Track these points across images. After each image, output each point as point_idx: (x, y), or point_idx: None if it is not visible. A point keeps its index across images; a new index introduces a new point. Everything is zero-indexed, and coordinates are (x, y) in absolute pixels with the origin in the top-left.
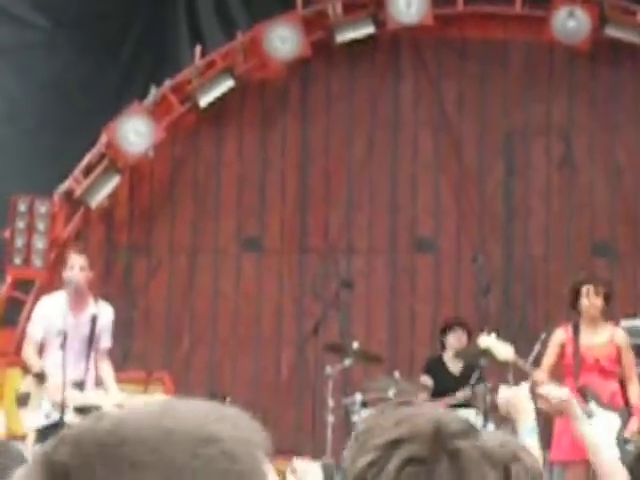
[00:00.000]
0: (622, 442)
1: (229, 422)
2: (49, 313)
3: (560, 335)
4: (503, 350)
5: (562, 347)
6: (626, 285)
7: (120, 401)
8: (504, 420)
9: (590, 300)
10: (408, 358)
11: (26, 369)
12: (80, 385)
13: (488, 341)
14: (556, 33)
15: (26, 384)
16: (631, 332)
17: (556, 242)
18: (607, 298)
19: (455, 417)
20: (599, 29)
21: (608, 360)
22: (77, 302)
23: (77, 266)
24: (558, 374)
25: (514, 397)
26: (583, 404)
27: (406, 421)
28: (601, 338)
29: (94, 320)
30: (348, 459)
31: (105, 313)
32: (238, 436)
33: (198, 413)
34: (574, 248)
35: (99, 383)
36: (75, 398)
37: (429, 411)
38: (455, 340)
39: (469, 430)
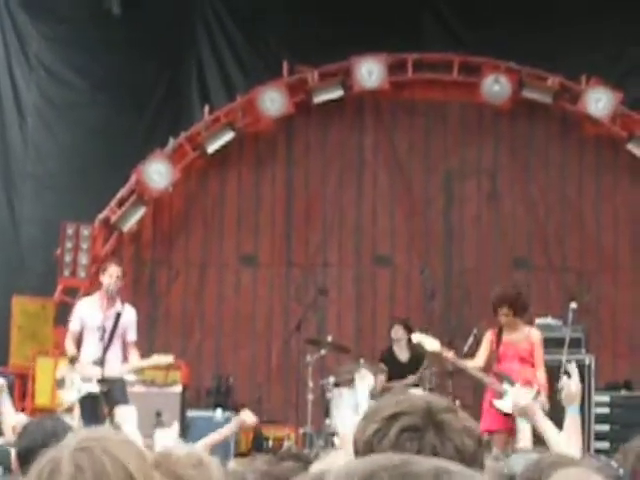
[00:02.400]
0: None
1: None
2: (85, 311)
3: (489, 336)
4: (430, 343)
5: (491, 343)
6: (540, 291)
7: (129, 370)
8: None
9: (500, 318)
10: (370, 349)
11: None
12: (99, 362)
13: (419, 337)
14: (484, 95)
15: (60, 371)
16: (543, 328)
17: (485, 258)
18: (519, 310)
19: (442, 399)
20: (518, 92)
21: (525, 352)
22: (108, 302)
23: (115, 275)
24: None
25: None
26: (498, 384)
27: (404, 401)
28: (519, 337)
29: (118, 316)
30: (358, 430)
31: (128, 313)
32: None
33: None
34: (499, 262)
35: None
36: (97, 373)
37: (421, 395)
38: (394, 333)
39: (452, 408)
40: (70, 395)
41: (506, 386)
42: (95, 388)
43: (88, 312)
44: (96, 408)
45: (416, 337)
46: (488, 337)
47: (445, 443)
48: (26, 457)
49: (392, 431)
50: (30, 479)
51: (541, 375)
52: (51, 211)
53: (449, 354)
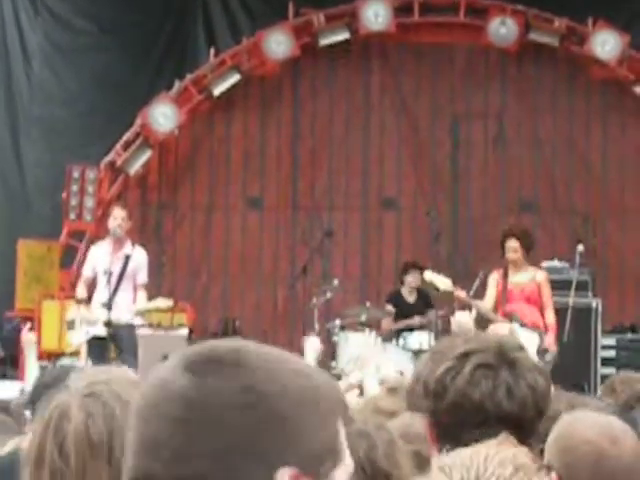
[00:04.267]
0: (542, 353)
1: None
2: (96, 256)
3: (494, 276)
4: (442, 282)
5: (497, 284)
6: (546, 234)
7: (134, 313)
8: None
9: (509, 252)
10: (376, 291)
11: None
12: (107, 306)
13: (430, 275)
14: (491, 38)
15: (70, 313)
16: (550, 270)
17: (491, 201)
18: (526, 247)
19: (510, 337)
20: (525, 34)
21: (532, 293)
22: (117, 245)
23: (119, 218)
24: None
25: (462, 322)
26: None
27: (473, 340)
28: (525, 277)
29: (127, 259)
30: (426, 372)
31: (139, 255)
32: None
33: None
34: (505, 205)
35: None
36: (103, 316)
37: (488, 334)
38: (412, 279)
39: (522, 347)
40: (77, 337)
41: (515, 326)
42: (101, 331)
43: (99, 256)
44: (103, 351)
45: (428, 275)
46: (494, 278)
47: (518, 381)
48: (35, 398)
49: (466, 368)
50: (39, 423)
51: (550, 315)
52: (57, 154)
53: (461, 293)
